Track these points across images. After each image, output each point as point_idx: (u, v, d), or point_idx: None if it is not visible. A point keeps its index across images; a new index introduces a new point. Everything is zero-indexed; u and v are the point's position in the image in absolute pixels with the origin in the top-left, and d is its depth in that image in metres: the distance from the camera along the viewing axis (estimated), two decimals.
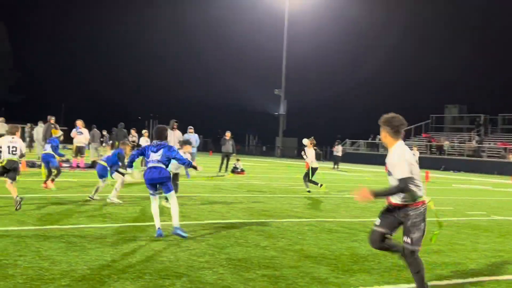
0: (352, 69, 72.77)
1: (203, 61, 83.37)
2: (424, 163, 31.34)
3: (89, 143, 23.11)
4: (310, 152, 16.19)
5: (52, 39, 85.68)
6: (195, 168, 9.07)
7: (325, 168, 29.97)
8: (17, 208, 9.50)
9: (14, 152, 10.23)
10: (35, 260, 6.18)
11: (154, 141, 8.36)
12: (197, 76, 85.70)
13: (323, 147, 50.49)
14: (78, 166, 20.62)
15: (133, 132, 27.74)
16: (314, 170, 16.07)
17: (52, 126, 20.05)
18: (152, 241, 7.57)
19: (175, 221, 8.05)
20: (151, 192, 8.18)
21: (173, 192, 8.20)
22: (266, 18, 63.87)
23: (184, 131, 20.71)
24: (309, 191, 15.82)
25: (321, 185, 15.96)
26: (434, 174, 30.08)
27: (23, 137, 21.02)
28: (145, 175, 8.10)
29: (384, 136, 5.38)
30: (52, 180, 13.48)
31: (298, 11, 58.25)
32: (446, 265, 7.13)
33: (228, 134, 23.63)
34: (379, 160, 38.41)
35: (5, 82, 72.82)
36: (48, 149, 13.69)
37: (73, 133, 20.86)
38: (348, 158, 45.30)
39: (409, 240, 5.18)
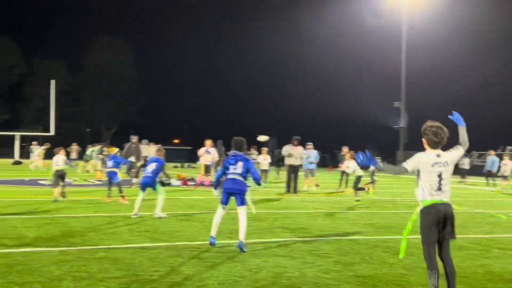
0: (475, 79, 69.40)
1: (319, 76, 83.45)
2: None
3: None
4: (350, 163, 17.70)
5: (172, 62, 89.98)
6: (259, 185, 9.00)
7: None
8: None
9: None
10: (169, 275, 6.50)
11: (232, 152, 8.50)
12: (314, 91, 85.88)
13: None
14: (202, 184, 21.39)
15: (252, 150, 28.37)
16: (358, 178, 17.24)
17: (134, 145, 20.97)
18: (277, 257, 7.67)
19: (242, 236, 8.12)
20: (223, 202, 8.36)
21: (245, 206, 8.28)
22: (382, 29, 62.75)
23: (303, 147, 20.83)
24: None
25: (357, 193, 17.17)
26: None
27: None
28: (225, 186, 8.29)
29: None
30: (123, 197, 14.13)
31: (415, 20, 56.72)
32: None
33: (345, 150, 23.40)
34: None
35: (133, 106, 77.49)
36: (111, 166, 14.53)
37: (201, 151, 21.63)
38: (474, 171, 43.02)
39: None
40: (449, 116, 5.84)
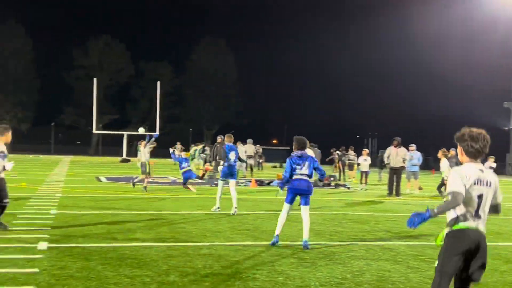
0: None
1: (424, 75, 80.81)
2: None
3: None
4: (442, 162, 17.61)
5: (271, 65, 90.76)
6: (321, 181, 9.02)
7: None
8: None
9: None
10: (271, 274, 6.54)
11: (296, 152, 8.45)
12: (419, 90, 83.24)
13: None
14: None
15: (350, 150, 28.01)
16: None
17: (219, 145, 21.07)
18: (381, 260, 7.50)
19: (306, 235, 8.22)
20: (289, 201, 8.39)
21: (309, 206, 8.38)
22: (491, 28, 59.78)
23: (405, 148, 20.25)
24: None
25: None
26: None
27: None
28: (293, 186, 8.31)
29: None
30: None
31: None
32: None
33: (452, 152, 22.46)
34: None
35: (233, 108, 79.03)
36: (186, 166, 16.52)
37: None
38: None
39: None
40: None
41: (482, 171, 4.29)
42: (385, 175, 25.74)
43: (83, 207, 12.18)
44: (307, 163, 8.39)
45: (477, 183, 4.22)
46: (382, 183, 25.14)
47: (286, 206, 8.49)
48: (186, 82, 77.00)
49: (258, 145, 35.79)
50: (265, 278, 6.34)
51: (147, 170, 16.53)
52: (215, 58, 75.68)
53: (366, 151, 23.75)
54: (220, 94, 76.46)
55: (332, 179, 22.92)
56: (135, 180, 16.91)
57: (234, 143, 13.13)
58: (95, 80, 47.94)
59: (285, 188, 8.60)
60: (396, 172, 18.97)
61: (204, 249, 7.85)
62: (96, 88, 46.90)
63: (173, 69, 77.10)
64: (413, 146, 21.09)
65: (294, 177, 8.40)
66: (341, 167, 28.31)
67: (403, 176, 20.08)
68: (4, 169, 8.58)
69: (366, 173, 22.68)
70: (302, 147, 8.56)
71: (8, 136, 8.74)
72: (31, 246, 7.58)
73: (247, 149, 26.04)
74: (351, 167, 27.17)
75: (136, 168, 18.94)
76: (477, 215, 4.24)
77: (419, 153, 21.44)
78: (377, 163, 29.39)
